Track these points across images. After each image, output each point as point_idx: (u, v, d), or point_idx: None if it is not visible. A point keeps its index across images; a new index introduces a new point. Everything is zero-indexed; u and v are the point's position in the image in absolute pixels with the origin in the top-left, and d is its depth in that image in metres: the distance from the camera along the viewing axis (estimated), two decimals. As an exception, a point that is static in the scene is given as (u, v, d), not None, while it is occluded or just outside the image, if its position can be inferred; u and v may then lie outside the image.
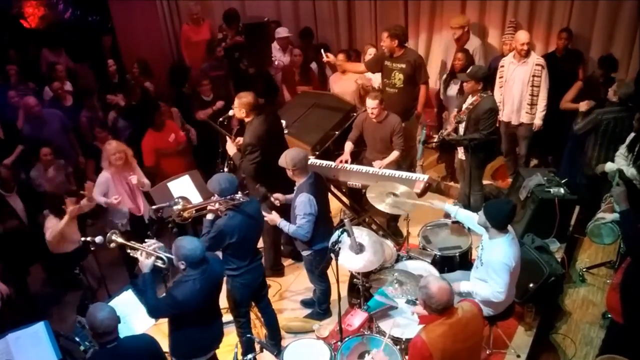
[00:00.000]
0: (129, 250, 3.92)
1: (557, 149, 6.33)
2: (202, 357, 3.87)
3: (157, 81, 7.38)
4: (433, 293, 3.10)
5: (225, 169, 5.08)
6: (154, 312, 3.66)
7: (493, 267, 3.87)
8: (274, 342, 4.54)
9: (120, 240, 3.95)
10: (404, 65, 5.85)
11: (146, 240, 3.93)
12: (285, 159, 4.37)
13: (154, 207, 4.83)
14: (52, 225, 5.13)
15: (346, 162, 5.45)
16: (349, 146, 5.54)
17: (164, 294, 3.64)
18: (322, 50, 6.34)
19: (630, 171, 5.09)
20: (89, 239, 4.62)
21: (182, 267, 3.58)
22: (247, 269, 4.22)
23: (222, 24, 7.75)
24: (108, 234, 4.03)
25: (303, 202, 4.35)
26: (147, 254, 3.72)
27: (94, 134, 6.37)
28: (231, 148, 5.03)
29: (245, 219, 4.11)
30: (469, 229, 4.83)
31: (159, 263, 3.74)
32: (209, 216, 4.17)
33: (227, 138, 5.11)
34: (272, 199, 4.66)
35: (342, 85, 6.67)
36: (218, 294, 3.86)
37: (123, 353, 3.25)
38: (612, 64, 5.81)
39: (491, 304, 4.00)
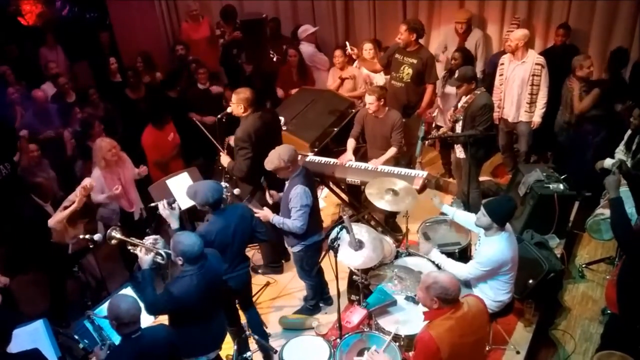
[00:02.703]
0: (129, 247, 3.90)
1: (556, 146, 6.34)
2: (204, 355, 3.85)
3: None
4: (447, 285, 3.10)
5: (223, 183, 5.08)
6: (152, 308, 3.65)
7: (480, 255, 3.96)
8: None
9: (120, 236, 3.93)
10: (415, 61, 5.81)
11: (146, 236, 3.92)
12: (280, 158, 4.31)
13: (151, 204, 4.81)
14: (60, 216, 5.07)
15: (349, 161, 5.43)
16: (351, 144, 5.52)
17: (162, 291, 3.63)
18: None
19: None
20: (87, 236, 4.63)
21: (180, 262, 3.57)
22: (228, 275, 4.16)
23: (219, 20, 7.75)
24: (108, 231, 3.99)
25: (299, 195, 4.33)
26: (147, 250, 3.71)
27: (90, 132, 6.33)
28: (225, 159, 5.02)
29: (227, 225, 4.06)
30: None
31: (159, 259, 3.73)
32: (174, 225, 4.06)
33: (221, 152, 5.08)
34: (267, 195, 4.62)
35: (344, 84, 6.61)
36: (217, 290, 3.83)
37: (147, 342, 3.26)
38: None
39: (494, 303, 4.02)
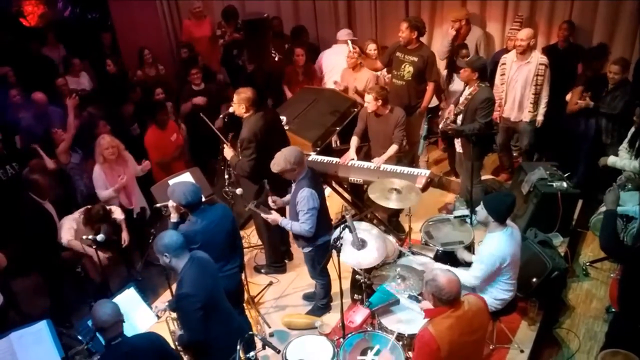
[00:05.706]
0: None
1: (556, 144, 6.31)
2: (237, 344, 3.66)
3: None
4: (443, 285, 3.08)
5: (226, 176, 5.10)
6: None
7: (481, 254, 3.94)
8: None
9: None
10: (416, 59, 5.80)
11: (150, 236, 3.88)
12: (286, 160, 4.26)
13: (156, 205, 4.81)
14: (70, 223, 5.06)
15: (351, 159, 5.42)
16: (354, 142, 5.51)
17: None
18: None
19: (632, 164, 5.09)
20: (90, 237, 4.64)
21: (167, 259, 3.50)
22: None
23: (220, 20, 7.75)
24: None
25: (306, 198, 4.31)
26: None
27: (95, 132, 6.33)
28: (228, 152, 5.00)
29: (208, 225, 4.01)
30: (471, 223, 4.83)
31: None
32: (174, 218, 4.10)
33: (224, 144, 5.05)
34: (269, 200, 4.61)
35: (355, 82, 6.47)
36: (221, 282, 3.76)
37: (127, 350, 3.24)
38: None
39: (496, 301, 4.01)
